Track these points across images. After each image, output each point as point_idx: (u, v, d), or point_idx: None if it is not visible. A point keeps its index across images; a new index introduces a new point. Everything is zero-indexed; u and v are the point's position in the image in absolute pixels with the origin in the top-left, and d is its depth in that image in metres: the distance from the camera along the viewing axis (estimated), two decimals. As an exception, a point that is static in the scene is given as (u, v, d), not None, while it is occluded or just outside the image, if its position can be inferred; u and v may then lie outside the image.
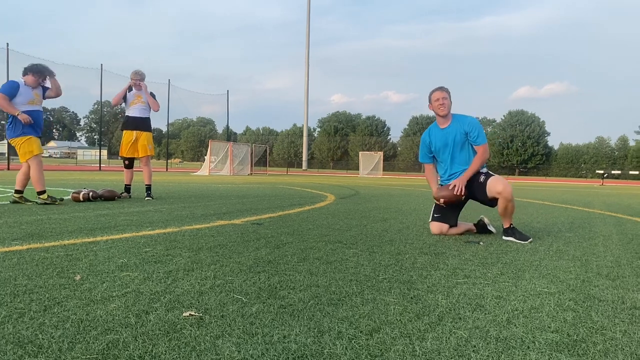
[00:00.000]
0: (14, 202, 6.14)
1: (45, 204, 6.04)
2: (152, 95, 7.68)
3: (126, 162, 7.79)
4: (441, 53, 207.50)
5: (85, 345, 1.56)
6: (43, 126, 6.44)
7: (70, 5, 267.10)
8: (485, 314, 2.04)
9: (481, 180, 4.34)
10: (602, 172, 39.60)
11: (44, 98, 6.44)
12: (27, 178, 6.28)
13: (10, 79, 6.55)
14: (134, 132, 7.58)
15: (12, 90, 6.10)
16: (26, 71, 6.29)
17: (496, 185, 4.22)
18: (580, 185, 29.54)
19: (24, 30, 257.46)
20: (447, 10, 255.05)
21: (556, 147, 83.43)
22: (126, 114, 7.64)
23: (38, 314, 1.85)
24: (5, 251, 3.01)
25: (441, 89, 4.52)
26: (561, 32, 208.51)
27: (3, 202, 6.14)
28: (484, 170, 4.48)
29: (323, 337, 1.70)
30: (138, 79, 7.59)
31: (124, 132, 7.63)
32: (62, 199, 6.38)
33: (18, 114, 5.99)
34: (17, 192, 6.21)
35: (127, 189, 7.71)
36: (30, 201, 6.19)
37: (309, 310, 2.01)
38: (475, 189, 4.38)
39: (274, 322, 1.84)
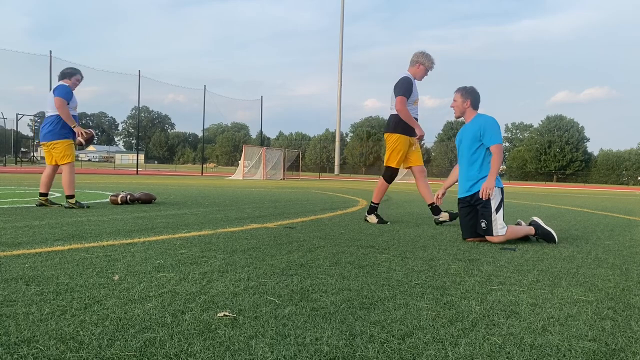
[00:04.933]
0: (40, 205, 6.04)
1: (72, 207, 5.92)
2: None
3: (394, 174, 5.64)
4: (477, 57, 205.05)
5: (123, 343, 1.61)
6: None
7: (110, 13, 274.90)
8: (520, 320, 2.01)
9: (482, 225, 4.19)
10: (644, 178, 38.20)
11: None
12: (51, 181, 6.17)
13: (59, 85, 6.03)
14: (411, 138, 5.62)
15: (68, 95, 5.91)
16: (74, 72, 6.13)
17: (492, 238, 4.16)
18: (622, 192, 28.64)
19: (65, 38, 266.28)
20: (483, 15, 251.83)
21: (596, 153, 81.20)
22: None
23: (79, 311, 1.92)
24: (48, 251, 3.12)
25: (456, 90, 4.44)
26: (601, 36, 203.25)
27: (46, 205, 6.34)
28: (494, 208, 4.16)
29: (355, 341, 1.71)
30: (430, 67, 5.65)
31: (402, 137, 5.51)
32: (88, 206, 6.17)
33: (74, 127, 5.90)
34: (42, 195, 6.09)
35: (374, 207, 5.55)
36: (56, 204, 6.17)
37: (341, 313, 2.01)
38: (474, 216, 4.27)
39: (306, 324, 1.86)
